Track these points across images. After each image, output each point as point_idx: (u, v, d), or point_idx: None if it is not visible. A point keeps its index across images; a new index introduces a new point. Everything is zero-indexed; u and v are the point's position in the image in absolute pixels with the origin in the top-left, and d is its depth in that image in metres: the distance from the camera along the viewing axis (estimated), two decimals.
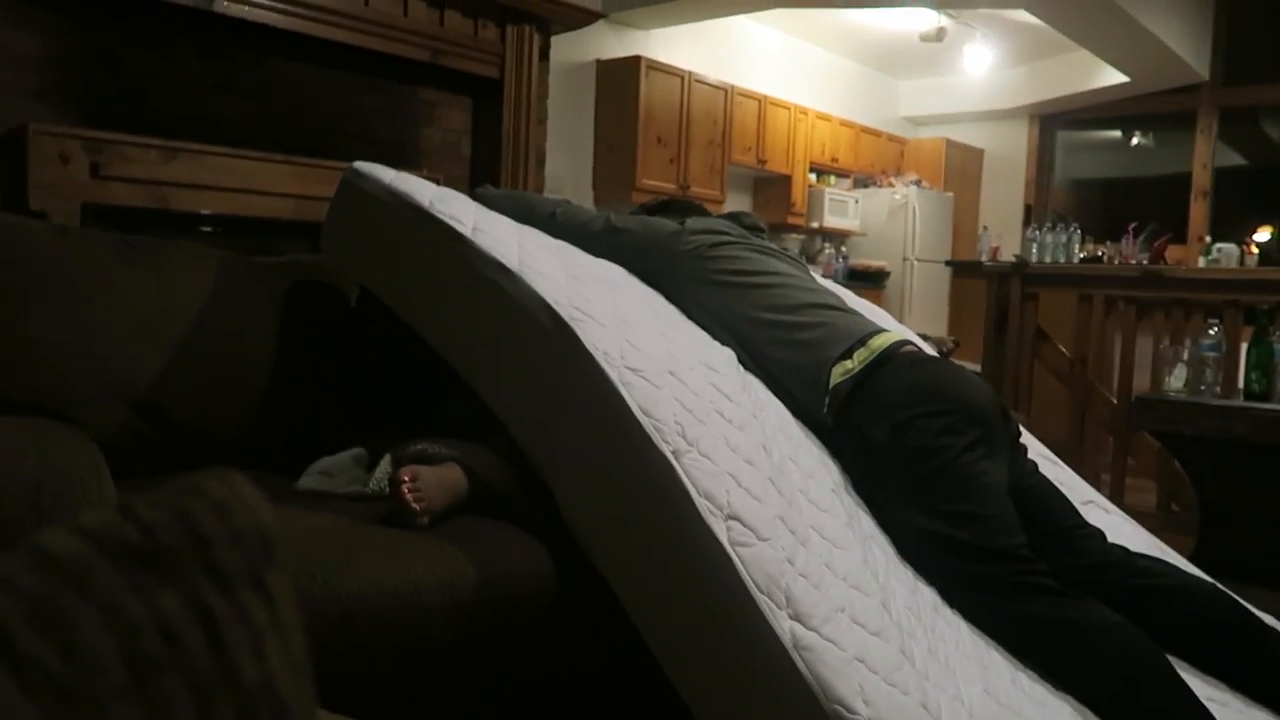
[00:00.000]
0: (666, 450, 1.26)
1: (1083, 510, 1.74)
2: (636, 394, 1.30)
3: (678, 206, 2.22)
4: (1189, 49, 6.38)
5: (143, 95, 3.60)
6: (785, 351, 1.69)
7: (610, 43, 5.79)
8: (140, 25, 3.54)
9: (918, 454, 1.53)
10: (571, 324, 1.35)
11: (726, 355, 1.65)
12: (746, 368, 1.68)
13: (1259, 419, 2.71)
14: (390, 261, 1.80)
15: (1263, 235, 7.42)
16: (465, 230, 1.62)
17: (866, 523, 1.50)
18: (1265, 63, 7.02)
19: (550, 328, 1.37)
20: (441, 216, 1.68)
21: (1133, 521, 2.00)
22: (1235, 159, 7.54)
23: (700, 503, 1.23)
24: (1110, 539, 1.67)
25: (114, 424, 1.62)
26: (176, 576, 0.32)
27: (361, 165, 1.88)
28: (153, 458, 1.66)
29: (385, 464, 1.56)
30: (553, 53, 5.01)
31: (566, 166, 5.55)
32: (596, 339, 1.35)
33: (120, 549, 0.31)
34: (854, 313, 1.82)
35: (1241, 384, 3.02)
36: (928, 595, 1.43)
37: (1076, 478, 2.05)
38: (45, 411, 1.51)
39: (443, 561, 1.28)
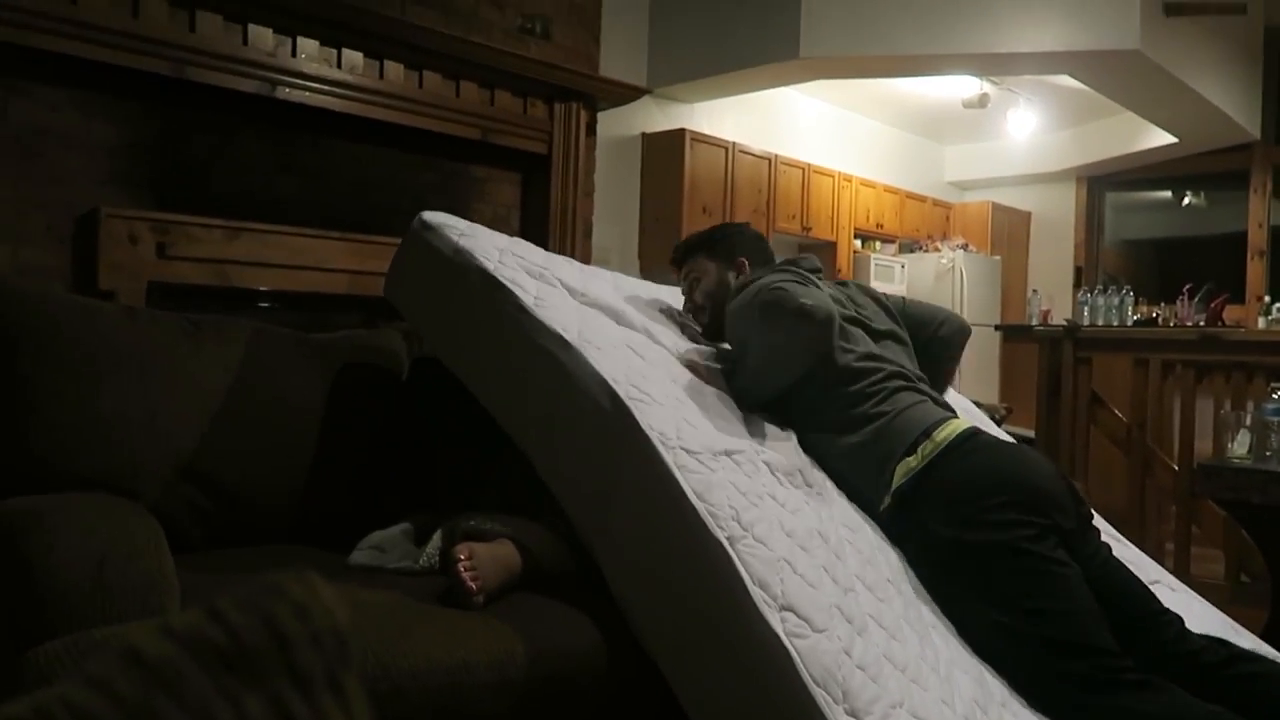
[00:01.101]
0: (721, 536, 1.25)
1: (1152, 590, 1.69)
2: (691, 478, 1.29)
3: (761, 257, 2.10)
4: (1238, 108, 6.33)
5: (208, 178, 3.75)
6: (849, 437, 1.65)
7: (655, 116, 5.92)
8: (207, 112, 3.71)
9: (987, 550, 1.48)
10: (629, 403, 1.34)
11: (783, 434, 1.64)
12: (804, 448, 1.66)
13: None
14: (450, 318, 1.78)
15: None
16: (528, 299, 1.62)
17: (926, 612, 1.47)
18: None
19: (607, 406, 1.37)
20: (505, 282, 1.66)
21: (1201, 600, 1.93)
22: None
23: (755, 592, 1.21)
24: (1182, 619, 1.62)
25: (174, 497, 1.66)
26: (260, 679, 0.33)
27: (431, 215, 1.85)
28: (208, 530, 1.70)
29: (437, 539, 1.57)
30: (600, 127, 5.13)
31: (614, 238, 5.64)
32: (653, 419, 1.35)
33: (208, 652, 0.33)
34: (918, 388, 1.75)
35: None
36: (996, 690, 1.39)
37: (1142, 555, 2.00)
38: (109, 486, 1.56)
39: (493, 638, 1.28)
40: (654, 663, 1.33)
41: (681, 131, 5.78)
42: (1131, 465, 3.86)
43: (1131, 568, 1.71)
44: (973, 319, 7.18)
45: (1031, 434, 4.25)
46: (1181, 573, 3.17)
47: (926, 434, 1.62)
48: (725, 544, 1.24)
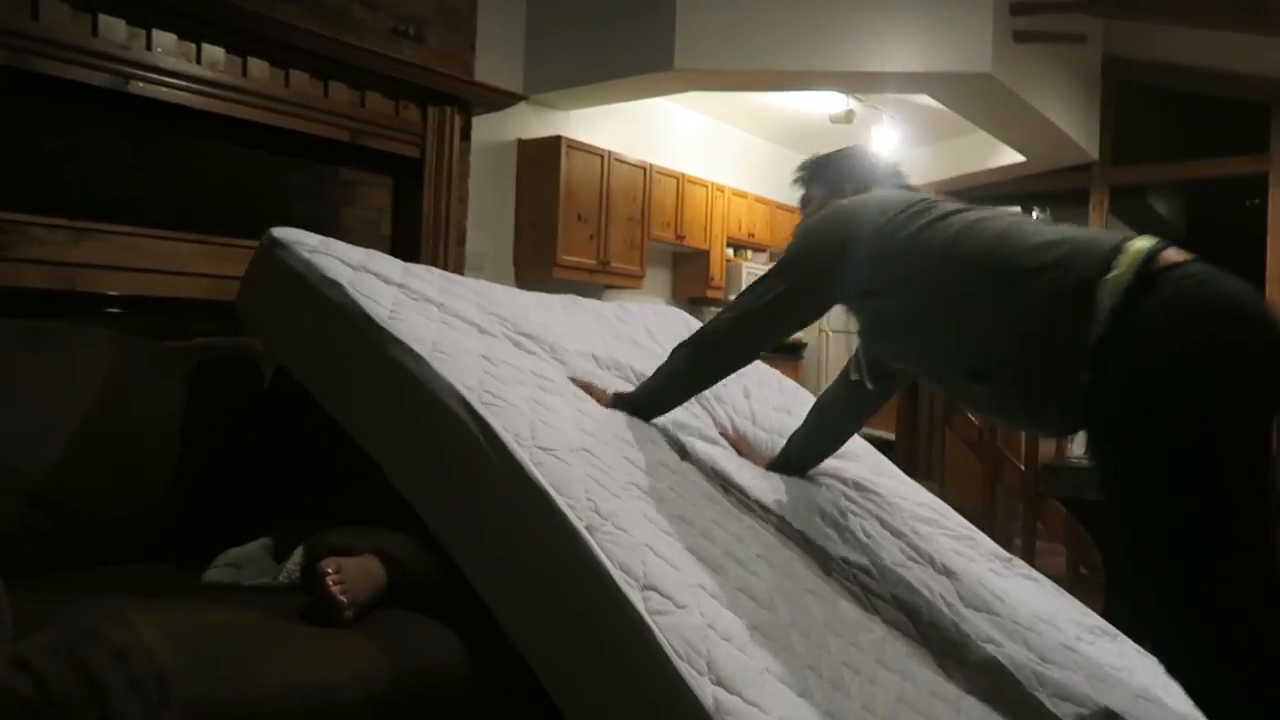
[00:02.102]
0: (580, 525, 1.28)
1: (999, 569, 1.80)
2: (548, 473, 1.33)
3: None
4: (1079, 130, 6.78)
5: (53, 176, 3.54)
6: (1010, 288, 1.40)
7: (532, 123, 5.91)
8: (53, 106, 3.50)
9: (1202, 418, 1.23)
10: (481, 409, 1.37)
11: (649, 430, 1.68)
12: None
13: None
14: (303, 337, 1.76)
15: None
16: (381, 312, 1.62)
17: (804, 578, 1.53)
18: (1148, 144, 7.50)
19: (461, 414, 1.39)
20: (358, 298, 1.65)
21: (1055, 587, 2.08)
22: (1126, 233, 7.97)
23: (616, 575, 1.25)
24: (1013, 599, 1.73)
25: (9, 518, 1.57)
26: None
27: (280, 232, 1.83)
28: (49, 551, 1.61)
29: (299, 555, 1.53)
30: (475, 132, 5.09)
31: (488, 244, 5.60)
32: (507, 421, 1.38)
33: (13, 705, 0.32)
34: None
35: None
36: (869, 648, 1.45)
37: (989, 540, 2.14)
38: None
39: (356, 655, 1.26)
40: (526, 669, 1.34)
41: (558, 139, 5.79)
42: (984, 467, 4.09)
43: (976, 547, 1.83)
44: (838, 326, 7.48)
45: (892, 437, 4.44)
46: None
47: (1117, 249, 1.36)
48: (584, 533, 1.28)
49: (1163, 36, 6.59)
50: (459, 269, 4.78)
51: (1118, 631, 1.95)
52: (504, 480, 1.35)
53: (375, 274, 1.77)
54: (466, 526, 1.41)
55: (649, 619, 1.22)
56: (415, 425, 1.46)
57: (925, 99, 6.13)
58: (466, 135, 4.89)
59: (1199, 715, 1.31)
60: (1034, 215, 8.66)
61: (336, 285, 1.67)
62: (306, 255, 1.76)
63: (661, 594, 1.26)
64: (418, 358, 1.47)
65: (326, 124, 4.22)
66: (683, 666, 1.18)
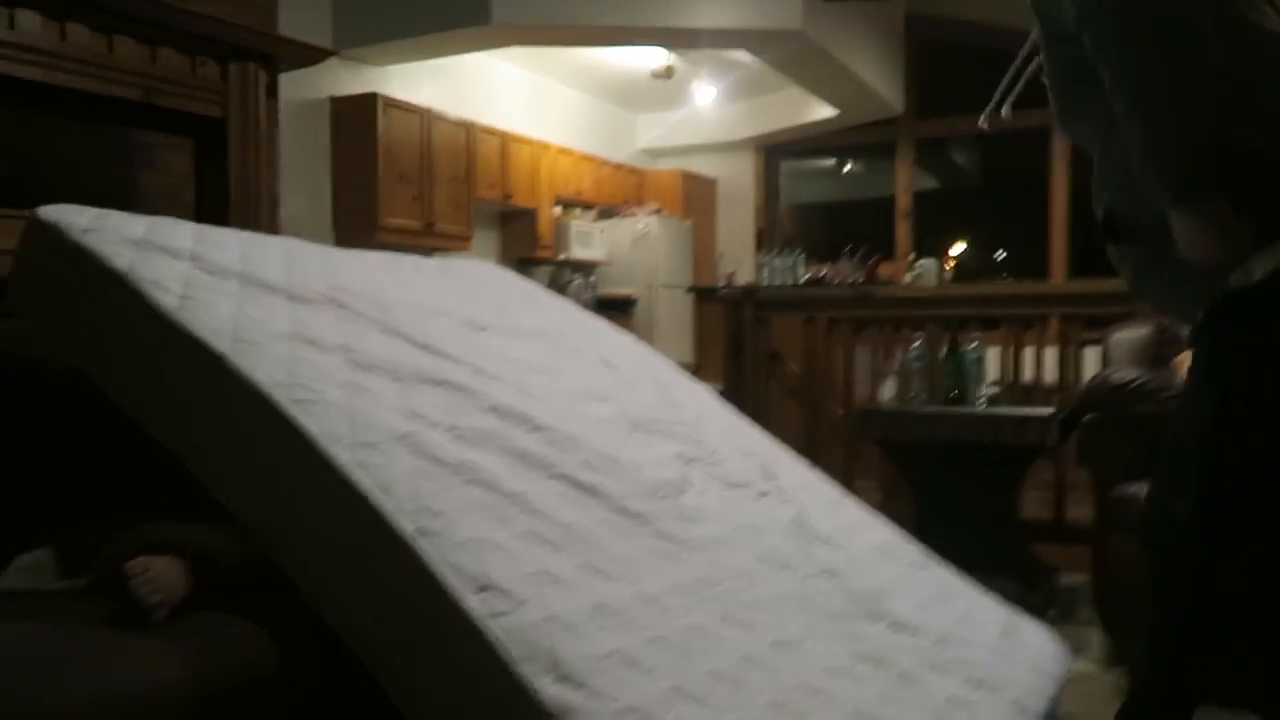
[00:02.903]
0: (409, 529, 1.23)
1: (837, 504, 1.91)
2: (372, 473, 1.27)
3: None
4: (886, 86, 7.11)
5: None
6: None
7: (344, 80, 5.65)
8: None
9: None
10: (293, 407, 1.29)
11: (486, 383, 1.64)
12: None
13: (955, 422, 3.07)
14: (89, 333, 1.58)
15: (958, 249, 8.40)
16: (170, 299, 1.46)
17: (649, 537, 1.54)
18: (948, 98, 7.96)
19: (269, 416, 1.31)
20: (140, 285, 1.48)
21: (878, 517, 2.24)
22: (931, 183, 8.47)
23: (449, 579, 1.20)
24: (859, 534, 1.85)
25: None
26: None
27: (47, 212, 1.62)
28: None
29: (104, 556, 1.45)
30: (284, 90, 4.82)
31: (304, 208, 5.35)
32: (323, 419, 1.31)
33: None
34: None
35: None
36: (714, 604, 1.48)
37: (825, 479, 2.27)
38: None
39: (168, 659, 1.21)
40: (355, 668, 1.29)
41: (373, 96, 5.56)
42: (804, 413, 4.29)
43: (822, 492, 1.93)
44: (668, 282, 7.61)
45: (720, 388, 4.59)
46: None
47: None
48: (413, 537, 1.24)
49: None
50: (275, 233, 4.55)
51: (937, 559, 2.12)
52: (323, 485, 1.28)
53: (162, 248, 1.61)
54: (288, 535, 1.34)
55: (487, 624, 1.18)
56: (222, 428, 1.36)
57: (743, 55, 6.26)
58: (273, 93, 4.62)
59: (1010, 629, 1.47)
60: (846, 169, 9.07)
61: (114, 275, 1.51)
62: (78, 239, 1.56)
63: (500, 590, 1.22)
64: (216, 357, 1.36)
65: (113, 81, 3.89)
66: (525, 669, 1.15)
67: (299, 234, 4.97)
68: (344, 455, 1.26)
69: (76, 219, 1.62)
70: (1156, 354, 2.82)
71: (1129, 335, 3.00)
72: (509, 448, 1.57)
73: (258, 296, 1.62)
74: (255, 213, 4.43)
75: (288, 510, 1.34)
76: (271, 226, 4.60)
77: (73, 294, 1.59)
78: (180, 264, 1.60)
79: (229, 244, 1.80)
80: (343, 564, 1.31)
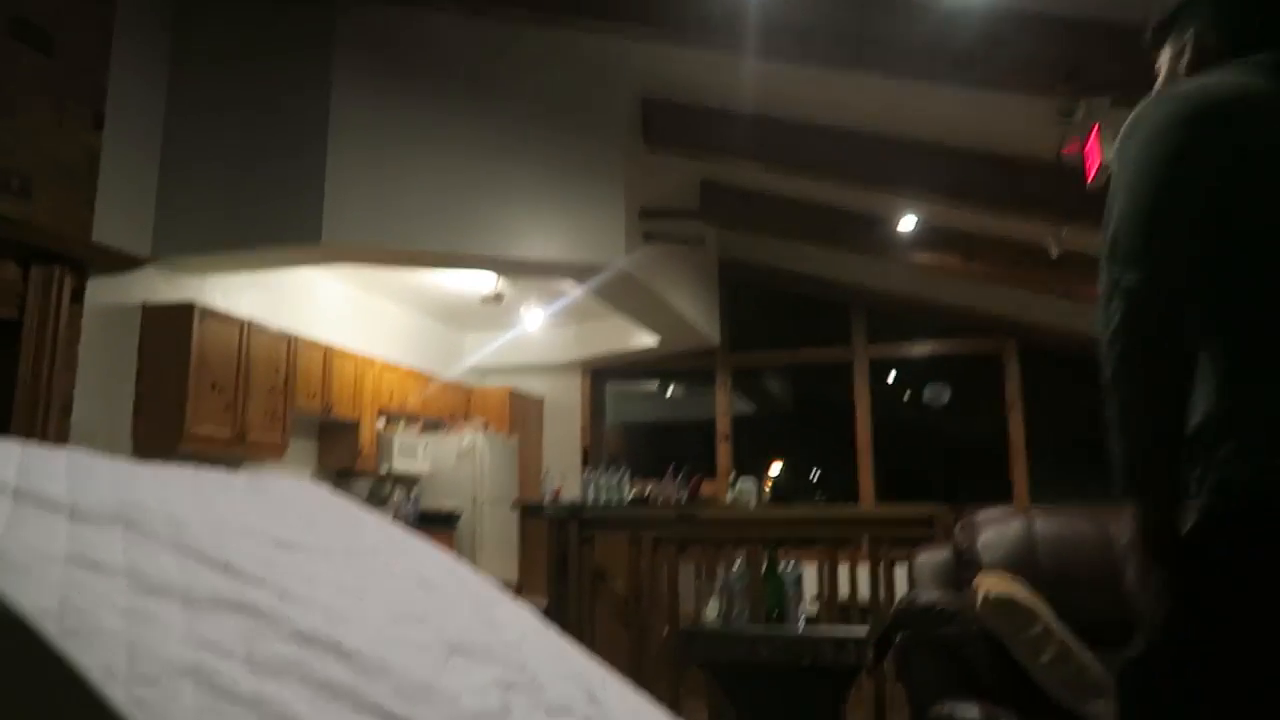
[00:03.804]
0: None
1: None
2: (151, 713, 1.12)
3: None
4: (702, 320, 7.58)
5: None
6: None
7: (160, 287, 5.49)
8: None
9: None
10: (61, 642, 1.13)
11: (284, 622, 1.52)
12: None
13: (776, 643, 3.08)
14: None
15: (775, 469, 8.76)
16: None
17: None
18: (759, 333, 8.56)
19: (36, 648, 1.14)
20: None
21: None
22: (748, 407, 8.92)
23: None
24: None
25: None
26: None
27: None
28: None
29: None
30: (92, 295, 4.63)
31: (101, 414, 5.00)
32: (99, 651, 1.16)
33: None
34: None
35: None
36: None
37: (651, 702, 2.17)
38: None
39: None
40: None
41: (190, 306, 5.40)
42: (630, 633, 4.20)
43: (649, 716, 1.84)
44: (492, 497, 7.50)
45: (545, 605, 4.45)
46: None
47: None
48: None
49: (766, 245, 7.66)
50: (62, 443, 4.20)
51: None
52: None
53: None
54: None
55: None
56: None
57: (569, 284, 6.56)
58: (79, 298, 4.42)
59: None
60: (669, 393, 9.44)
61: None
62: None
63: None
64: (39, 638, 1.19)
65: None
66: None
67: (91, 443, 4.63)
68: (119, 693, 1.11)
69: None
70: (958, 576, 2.97)
71: (931, 558, 3.16)
72: (313, 678, 1.44)
73: (32, 515, 1.47)
74: (43, 420, 4.11)
75: None
76: (60, 434, 4.27)
77: None
78: None
79: (5, 456, 1.64)
80: None
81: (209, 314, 5.51)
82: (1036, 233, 5.31)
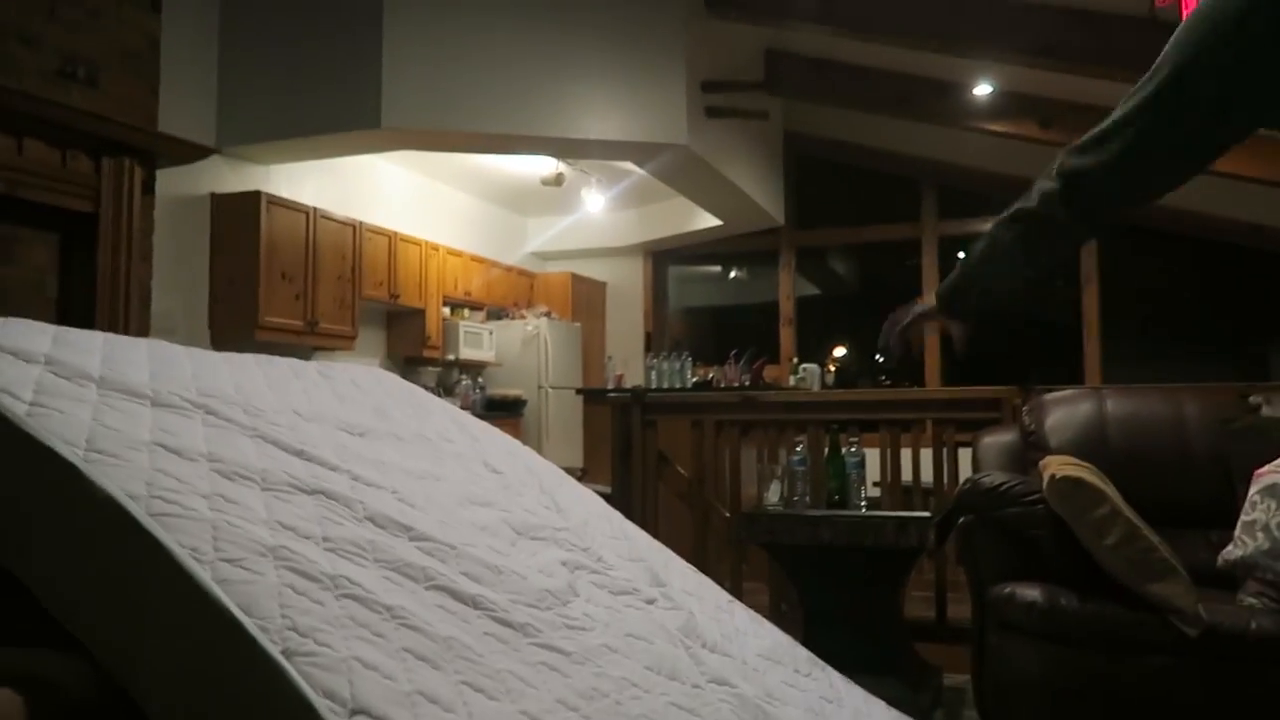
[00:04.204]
0: (275, 652, 1.16)
1: (725, 609, 1.88)
2: (235, 591, 1.19)
3: None
4: (767, 198, 7.43)
5: None
6: None
7: (227, 177, 5.56)
8: None
9: None
10: (150, 525, 1.21)
11: (358, 506, 1.58)
12: None
13: (838, 525, 3.12)
14: None
15: (839, 352, 8.70)
16: (19, 408, 1.35)
17: (537, 648, 1.49)
18: (826, 211, 8.37)
19: (127, 531, 1.22)
20: None
21: (765, 622, 2.21)
22: (811, 289, 8.81)
23: (321, 704, 1.14)
24: (739, 639, 1.83)
25: None
26: None
27: None
28: None
29: None
30: (162, 186, 4.71)
31: (179, 305, 5.16)
32: (184, 533, 1.23)
33: None
34: None
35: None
36: (605, 710, 1.43)
37: (713, 583, 2.24)
38: None
39: None
40: None
41: (257, 194, 5.47)
42: (694, 516, 4.29)
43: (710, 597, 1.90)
44: (556, 383, 7.62)
45: (609, 490, 4.56)
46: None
47: None
48: (279, 659, 1.16)
49: (832, 117, 7.40)
50: (144, 333, 4.37)
51: (824, 663, 2.11)
52: (183, 606, 1.19)
53: (12, 352, 1.51)
54: (144, 661, 1.23)
55: None
56: (72, 544, 1.25)
57: (630, 165, 6.45)
58: (150, 189, 4.51)
59: None
60: (731, 275, 9.35)
61: None
62: None
63: (374, 715, 1.16)
64: (68, 466, 1.26)
65: None
66: None
67: (172, 332, 4.80)
68: (204, 574, 1.18)
69: None
70: (1024, 459, 2.94)
71: (996, 440, 3.13)
72: (386, 559, 1.50)
73: (118, 403, 1.54)
74: (124, 310, 4.25)
75: (144, 634, 1.24)
76: (141, 325, 4.42)
77: None
78: (33, 368, 1.50)
79: (90, 346, 1.71)
80: (204, 692, 1.21)
81: (275, 202, 5.58)
82: (1121, 95, 5.03)
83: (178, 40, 4.96)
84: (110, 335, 1.89)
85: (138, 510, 1.23)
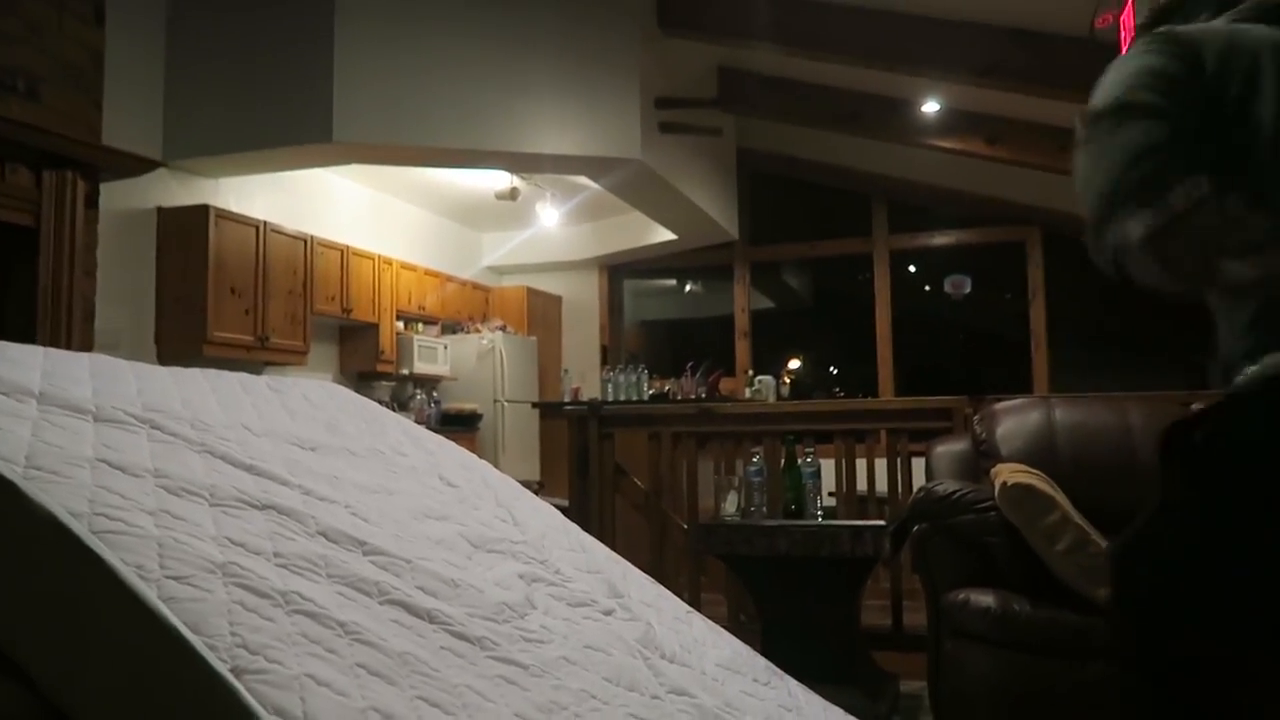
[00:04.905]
0: (224, 669, 1.13)
1: (683, 619, 1.87)
2: (183, 609, 1.15)
3: None
4: (720, 213, 7.48)
5: None
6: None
7: (175, 190, 5.46)
8: None
9: None
10: (93, 542, 1.17)
11: (310, 521, 1.55)
12: None
13: (794, 535, 3.13)
14: None
15: (794, 364, 8.77)
16: None
17: (493, 661, 1.47)
18: (779, 226, 8.45)
19: (68, 549, 1.18)
20: None
21: (725, 632, 2.20)
22: (766, 303, 8.87)
23: None
24: (698, 650, 1.82)
25: None
26: None
27: None
28: None
29: None
30: (107, 199, 4.61)
31: (124, 320, 5.05)
32: (129, 550, 1.19)
33: None
34: None
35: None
36: None
37: (671, 594, 2.23)
38: None
39: None
40: None
41: (205, 208, 5.38)
42: (651, 528, 4.28)
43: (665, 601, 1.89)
44: (512, 397, 7.57)
45: (566, 503, 4.54)
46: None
47: None
48: (229, 678, 1.13)
49: (785, 134, 7.48)
50: (87, 348, 4.26)
51: (783, 673, 2.11)
52: (129, 625, 1.15)
53: None
54: (85, 683, 1.19)
55: None
56: (10, 564, 1.19)
57: (585, 179, 6.46)
58: (94, 202, 4.41)
59: None
60: (687, 289, 9.40)
61: None
62: None
63: None
64: (6, 484, 1.22)
65: None
66: None
67: (117, 348, 4.69)
68: (151, 590, 1.15)
69: None
70: (976, 467, 2.99)
71: (949, 449, 3.17)
72: (339, 574, 1.48)
73: (59, 418, 1.49)
74: (66, 325, 4.15)
75: (87, 656, 1.20)
76: (85, 339, 4.32)
77: None
78: None
79: (30, 362, 1.66)
80: (150, 714, 1.17)
81: (224, 216, 5.49)
82: (1064, 113, 5.16)
83: (123, 53, 4.87)
84: (51, 350, 1.84)
85: (79, 528, 1.19)
